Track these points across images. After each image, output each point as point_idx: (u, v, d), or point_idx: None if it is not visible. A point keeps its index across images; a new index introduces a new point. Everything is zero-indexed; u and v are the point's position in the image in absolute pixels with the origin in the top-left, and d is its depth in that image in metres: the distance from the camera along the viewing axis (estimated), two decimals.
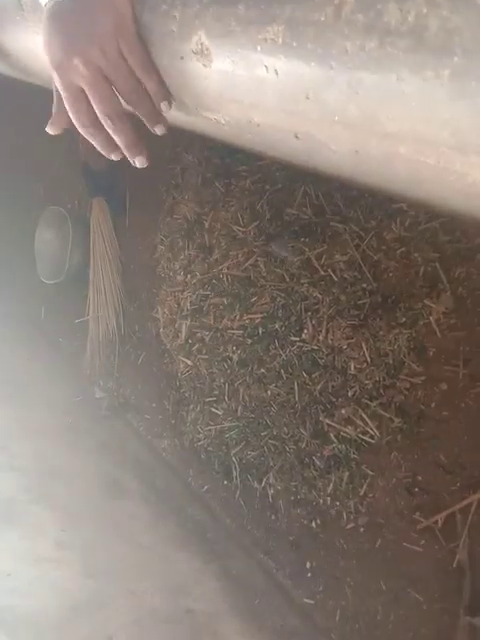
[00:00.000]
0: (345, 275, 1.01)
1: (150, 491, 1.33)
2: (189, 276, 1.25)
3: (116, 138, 0.60)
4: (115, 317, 1.51)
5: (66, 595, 0.91)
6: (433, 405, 0.94)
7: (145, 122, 0.60)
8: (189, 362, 1.32)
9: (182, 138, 1.29)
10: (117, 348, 1.54)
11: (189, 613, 0.98)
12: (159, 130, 0.61)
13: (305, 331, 1.06)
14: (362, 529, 1.02)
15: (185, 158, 1.28)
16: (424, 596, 0.92)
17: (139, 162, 0.62)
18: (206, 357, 1.25)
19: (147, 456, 1.42)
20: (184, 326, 1.30)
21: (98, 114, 0.59)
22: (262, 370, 1.14)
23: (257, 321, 1.11)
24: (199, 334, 1.26)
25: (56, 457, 1.37)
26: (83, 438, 1.47)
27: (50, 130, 0.65)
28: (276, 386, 1.12)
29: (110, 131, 0.61)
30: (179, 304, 1.33)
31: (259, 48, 0.45)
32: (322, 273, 1.02)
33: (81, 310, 1.61)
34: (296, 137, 0.52)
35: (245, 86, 0.51)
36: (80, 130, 0.62)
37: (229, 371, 1.21)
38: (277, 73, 0.46)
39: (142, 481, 1.36)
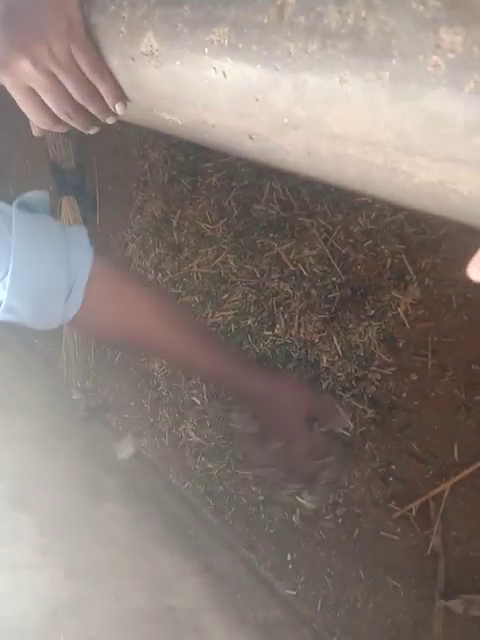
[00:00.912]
0: (315, 269, 1.02)
1: (131, 490, 1.32)
2: (160, 274, 1.24)
3: (77, 123, 0.60)
4: None
5: (46, 600, 0.91)
6: (404, 395, 0.95)
7: (97, 116, 0.60)
8: (165, 361, 1.32)
9: (149, 135, 1.28)
10: (93, 348, 1.52)
11: (171, 610, 0.99)
12: (110, 121, 0.61)
13: (277, 326, 1.06)
14: (340, 520, 1.03)
15: (151, 155, 1.27)
16: (401, 582, 0.94)
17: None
18: None
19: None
20: None
21: (56, 113, 0.59)
22: None
23: (230, 318, 1.11)
24: None
25: (34, 461, 1.36)
26: (61, 440, 1.46)
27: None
28: None
29: (72, 123, 0.61)
30: None
31: (206, 50, 0.45)
32: (292, 268, 1.03)
33: None
34: (251, 138, 0.52)
35: (197, 88, 0.50)
36: (42, 127, 0.62)
37: None
38: (225, 75, 0.45)
39: (123, 481, 1.35)
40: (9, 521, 1.06)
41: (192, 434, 1.27)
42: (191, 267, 1.16)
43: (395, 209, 0.92)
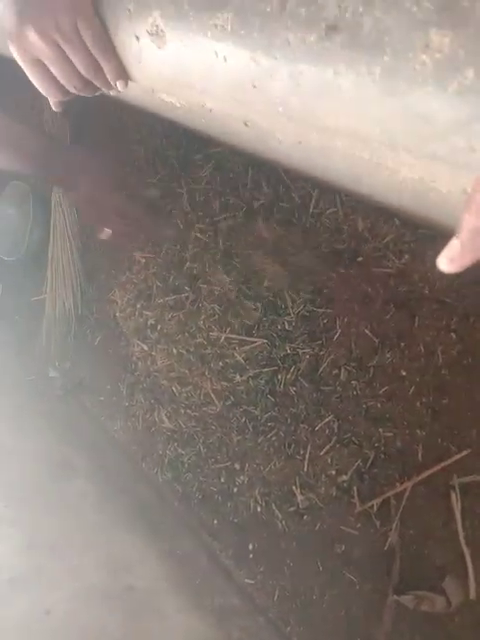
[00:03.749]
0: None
1: (99, 471, 1.33)
2: (145, 260, 1.25)
3: (85, 94, 0.62)
4: (73, 297, 1.50)
5: (5, 569, 0.91)
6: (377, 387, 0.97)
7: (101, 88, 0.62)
8: (145, 346, 1.32)
9: (146, 121, 1.28)
10: (73, 329, 1.53)
11: (130, 590, 1.00)
12: (114, 93, 0.62)
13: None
14: (303, 513, 1.05)
15: (148, 143, 1.27)
16: (357, 576, 0.96)
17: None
18: (162, 342, 1.26)
19: (99, 437, 1.42)
20: (141, 310, 1.31)
21: (63, 84, 0.60)
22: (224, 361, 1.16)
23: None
24: (155, 319, 1.27)
25: (5, 435, 1.36)
26: (34, 417, 1.47)
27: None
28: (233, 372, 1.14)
29: (80, 94, 0.62)
30: (137, 288, 1.33)
31: (209, 34, 0.46)
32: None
33: (39, 288, 1.59)
34: (245, 125, 0.53)
35: (197, 71, 0.52)
36: (52, 98, 0.63)
37: (185, 355, 1.22)
38: (226, 60, 0.47)
39: (92, 461, 1.36)
40: None
41: (166, 420, 1.28)
42: (183, 256, 1.18)
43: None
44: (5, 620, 0.82)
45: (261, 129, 0.52)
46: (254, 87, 0.46)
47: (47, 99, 0.64)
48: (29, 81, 0.60)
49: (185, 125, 0.74)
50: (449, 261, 0.33)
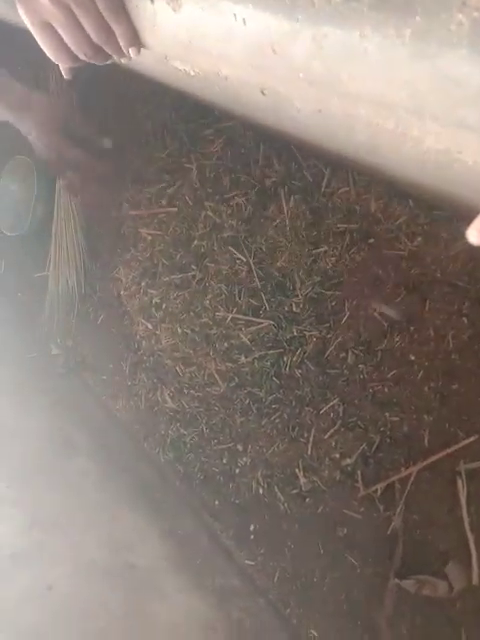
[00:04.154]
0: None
1: (101, 450, 1.33)
2: (151, 238, 1.23)
3: (95, 61, 0.60)
4: (76, 274, 1.48)
5: (8, 545, 0.91)
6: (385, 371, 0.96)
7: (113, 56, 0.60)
8: (149, 325, 1.31)
9: (153, 96, 1.26)
10: (76, 306, 1.51)
11: (131, 568, 1.00)
12: (125, 60, 0.61)
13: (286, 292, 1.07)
14: (306, 495, 1.05)
15: (156, 117, 1.25)
16: (359, 560, 0.96)
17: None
18: (167, 321, 1.25)
19: (101, 416, 1.42)
20: (146, 289, 1.30)
21: (73, 50, 0.58)
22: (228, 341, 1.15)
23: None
24: (160, 297, 1.26)
25: (6, 412, 1.36)
26: (36, 395, 1.46)
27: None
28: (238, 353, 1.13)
29: (90, 61, 0.60)
30: (142, 266, 1.32)
31: None
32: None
33: (42, 265, 1.57)
34: (263, 93, 0.51)
35: (214, 35, 0.50)
36: (62, 64, 0.61)
37: (190, 335, 1.21)
38: (245, 22, 0.45)
39: (94, 440, 1.36)
40: None
41: (169, 400, 1.27)
42: (191, 234, 1.16)
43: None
44: (7, 594, 0.82)
45: (279, 97, 0.50)
46: (274, 52, 0.45)
47: (54, 69, 0.63)
48: (36, 49, 0.58)
49: (197, 96, 0.72)
50: (479, 233, 0.32)
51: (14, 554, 0.88)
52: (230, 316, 1.14)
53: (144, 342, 1.34)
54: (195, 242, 1.19)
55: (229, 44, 0.49)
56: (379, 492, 0.94)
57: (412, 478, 0.91)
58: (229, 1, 0.45)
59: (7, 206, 1.64)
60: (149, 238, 1.29)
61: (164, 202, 1.25)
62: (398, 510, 0.91)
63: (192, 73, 0.60)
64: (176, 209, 1.21)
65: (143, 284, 1.31)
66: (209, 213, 1.16)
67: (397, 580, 0.89)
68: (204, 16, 0.49)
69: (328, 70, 0.42)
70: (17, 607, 0.81)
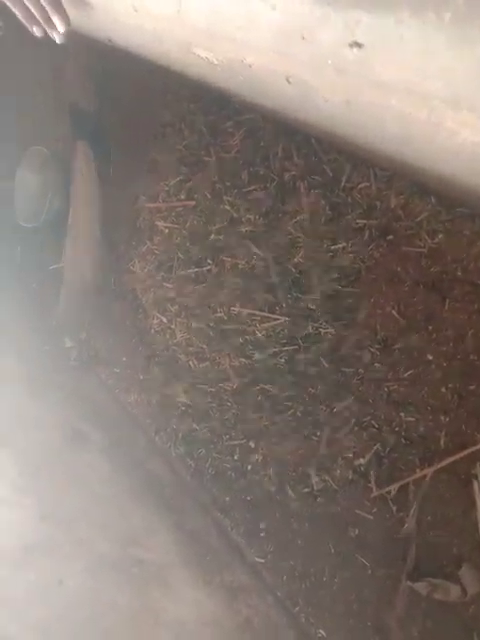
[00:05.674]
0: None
1: (112, 444, 1.33)
2: (168, 230, 1.23)
3: (56, 19, 0.69)
4: (91, 267, 1.48)
5: (20, 536, 0.91)
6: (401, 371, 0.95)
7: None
8: (164, 319, 1.31)
9: (172, 87, 1.24)
10: (91, 299, 1.51)
11: (140, 563, 1.00)
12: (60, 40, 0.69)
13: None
14: (317, 494, 1.04)
15: (174, 108, 1.24)
16: (370, 561, 0.95)
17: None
18: (182, 315, 1.25)
19: (113, 409, 1.42)
20: (161, 282, 1.29)
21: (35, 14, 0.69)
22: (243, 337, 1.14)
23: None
24: (175, 291, 1.25)
25: (20, 404, 1.35)
26: (49, 387, 1.46)
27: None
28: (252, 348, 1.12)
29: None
30: (158, 259, 1.31)
31: None
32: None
33: (57, 257, 1.57)
34: (288, 81, 0.50)
35: (240, 21, 0.49)
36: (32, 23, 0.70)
37: (204, 330, 1.20)
38: (274, 7, 0.44)
39: (105, 433, 1.35)
40: None
41: (182, 395, 1.27)
42: (209, 230, 1.15)
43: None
44: (19, 586, 0.82)
45: (305, 86, 0.48)
46: (303, 38, 0.43)
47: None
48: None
49: (220, 87, 0.71)
50: None
51: (27, 546, 0.88)
52: (245, 311, 1.13)
53: (158, 336, 1.33)
54: (212, 236, 1.18)
55: (256, 30, 0.48)
56: (392, 493, 0.93)
57: (427, 479, 0.89)
58: None
59: (23, 197, 1.63)
60: (166, 231, 1.28)
61: (182, 195, 1.24)
62: (412, 511, 0.90)
63: (215, 61, 0.59)
64: (194, 202, 1.20)
65: (159, 277, 1.31)
66: (227, 207, 1.15)
67: (409, 582, 0.88)
68: (231, 0, 0.48)
69: (360, 58, 0.40)
70: (28, 600, 0.81)
